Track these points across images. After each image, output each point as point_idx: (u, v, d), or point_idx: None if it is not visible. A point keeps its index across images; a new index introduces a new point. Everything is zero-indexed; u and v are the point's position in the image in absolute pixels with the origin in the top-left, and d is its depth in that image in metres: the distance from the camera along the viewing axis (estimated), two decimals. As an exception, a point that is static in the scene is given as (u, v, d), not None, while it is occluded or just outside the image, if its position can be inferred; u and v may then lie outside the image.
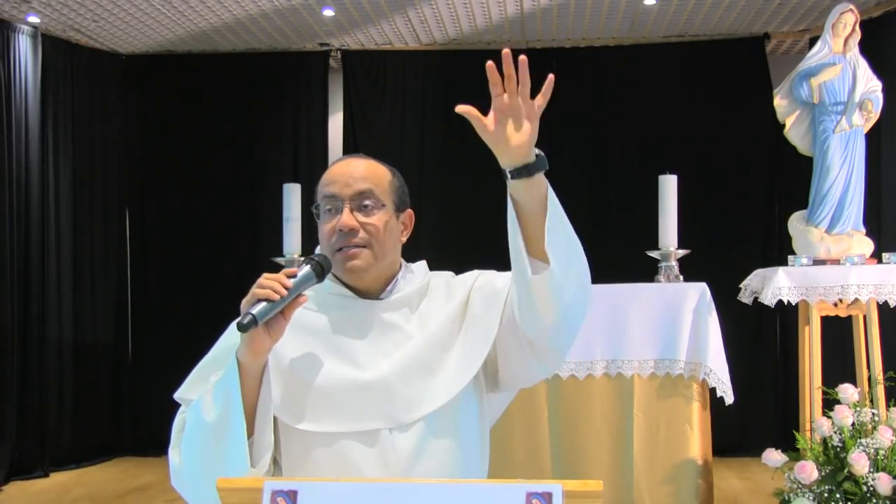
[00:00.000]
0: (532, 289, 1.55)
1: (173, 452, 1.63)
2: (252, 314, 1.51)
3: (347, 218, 1.67)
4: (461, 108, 1.53)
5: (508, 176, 1.53)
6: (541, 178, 1.54)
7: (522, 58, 1.48)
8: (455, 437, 1.67)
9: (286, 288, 1.55)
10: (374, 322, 1.70)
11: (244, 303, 1.55)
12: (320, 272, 1.63)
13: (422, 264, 1.85)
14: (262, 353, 1.56)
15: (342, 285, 1.74)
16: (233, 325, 1.74)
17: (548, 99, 1.50)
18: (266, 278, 1.56)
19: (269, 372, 1.60)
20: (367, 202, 1.69)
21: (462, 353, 1.70)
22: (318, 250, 1.75)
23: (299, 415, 1.63)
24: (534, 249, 1.55)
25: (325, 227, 1.71)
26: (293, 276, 1.58)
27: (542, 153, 1.54)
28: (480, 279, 1.78)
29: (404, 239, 1.79)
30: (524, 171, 1.52)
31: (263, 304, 1.53)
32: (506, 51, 1.48)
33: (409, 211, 1.79)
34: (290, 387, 1.65)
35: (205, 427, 1.57)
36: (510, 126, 1.50)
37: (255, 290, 1.54)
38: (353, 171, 1.71)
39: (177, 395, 1.70)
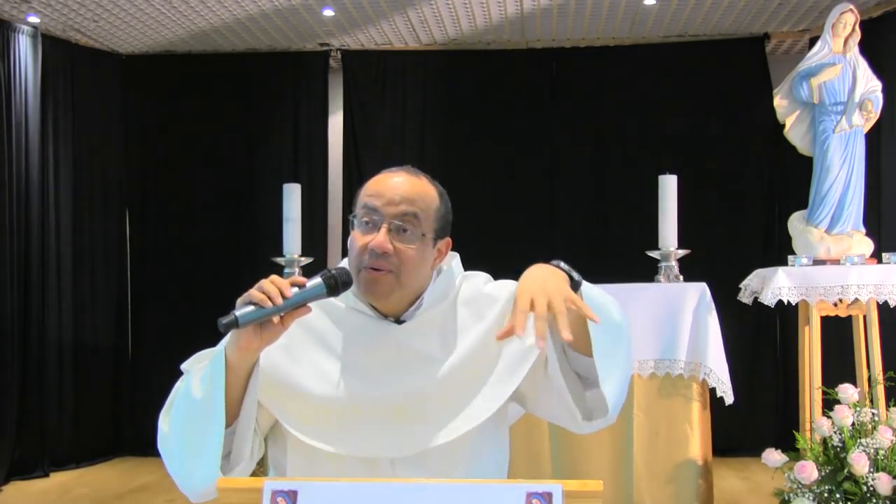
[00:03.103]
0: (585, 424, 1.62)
1: (163, 419, 1.59)
2: (236, 315, 1.45)
3: (383, 239, 1.58)
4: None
5: None
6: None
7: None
8: (464, 472, 1.61)
9: (285, 297, 1.47)
10: (391, 346, 1.64)
11: (240, 299, 1.49)
12: (334, 286, 1.53)
13: (455, 264, 1.76)
14: (248, 351, 1.50)
15: (364, 303, 1.66)
16: None
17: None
18: (269, 282, 1.49)
19: (258, 377, 1.54)
20: (407, 227, 1.60)
21: (483, 390, 1.63)
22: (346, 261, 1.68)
23: (304, 427, 1.60)
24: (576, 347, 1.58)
25: (357, 240, 1.62)
26: (301, 285, 1.51)
27: (576, 276, 1.55)
28: None
29: (436, 266, 1.71)
30: None
31: (252, 307, 1.46)
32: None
33: (448, 239, 1.71)
34: (298, 398, 1.61)
35: (192, 402, 1.54)
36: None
37: (251, 291, 1.48)
38: (402, 189, 1.62)
39: (184, 366, 1.64)
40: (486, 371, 1.64)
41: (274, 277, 1.50)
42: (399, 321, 1.66)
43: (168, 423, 1.59)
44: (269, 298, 1.46)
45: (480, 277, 1.77)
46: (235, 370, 1.52)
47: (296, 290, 1.50)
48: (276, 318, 1.49)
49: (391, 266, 1.59)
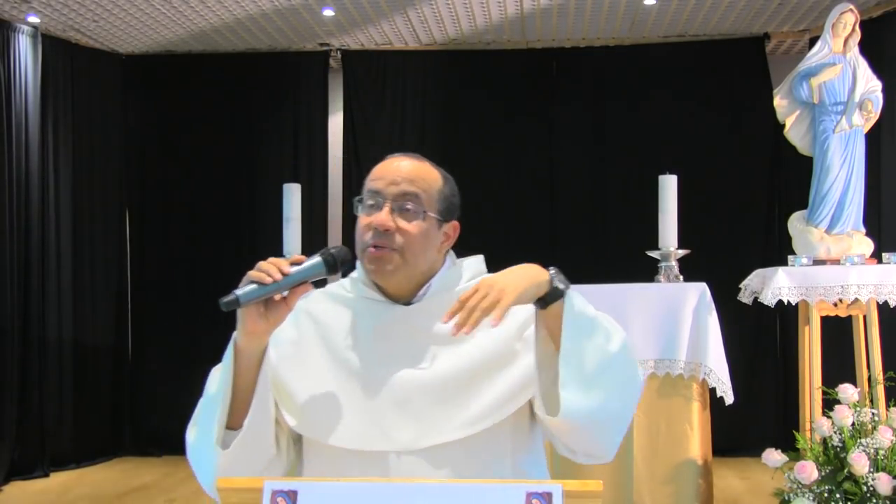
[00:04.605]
0: (551, 429, 1.55)
1: (190, 430, 1.60)
2: (237, 295, 1.45)
3: (385, 217, 1.61)
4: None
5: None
6: (557, 308, 1.51)
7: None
8: (478, 472, 1.55)
9: (284, 274, 1.48)
10: (402, 328, 1.63)
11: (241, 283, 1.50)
12: (332, 264, 1.54)
13: (476, 261, 1.77)
14: (256, 335, 1.51)
15: (373, 289, 1.67)
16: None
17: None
18: (267, 262, 1.50)
19: (268, 364, 1.55)
20: (409, 206, 1.63)
21: (500, 388, 1.59)
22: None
23: (305, 420, 1.59)
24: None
25: (361, 221, 1.64)
26: (299, 263, 1.51)
27: (561, 286, 1.50)
28: None
29: (444, 249, 1.71)
30: (539, 303, 1.53)
31: (253, 286, 1.46)
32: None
33: (455, 222, 1.73)
34: (301, 390, 1.61)
35: (209, 399, 1.57)
36: None
37: (250, 272, 1.49)
38: (403, 171, 1.65)
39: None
40: (503, 371, 1.60)
41: (272, 258, 1.52)
42: (408, 304, 1.67)
43: (194, 432, 1.59)
44: (269, 275, 1.47)
45: None
46: (247, 355, 1.53)
47: (295, 268, 1.50)
48: (277, 297, 1.50)
49: (395, 245, 1.61)
